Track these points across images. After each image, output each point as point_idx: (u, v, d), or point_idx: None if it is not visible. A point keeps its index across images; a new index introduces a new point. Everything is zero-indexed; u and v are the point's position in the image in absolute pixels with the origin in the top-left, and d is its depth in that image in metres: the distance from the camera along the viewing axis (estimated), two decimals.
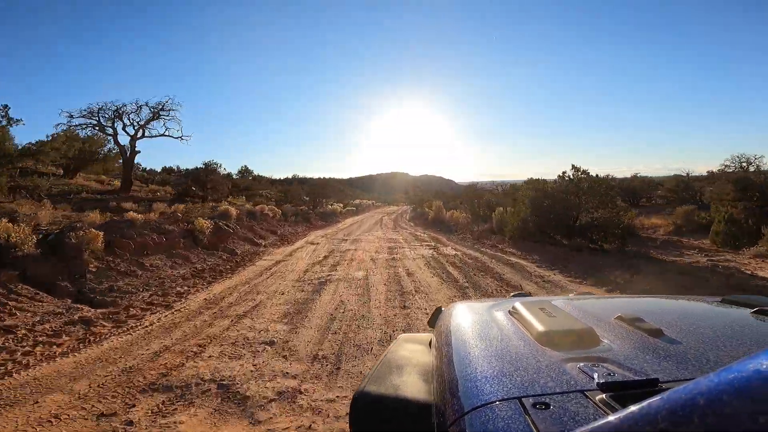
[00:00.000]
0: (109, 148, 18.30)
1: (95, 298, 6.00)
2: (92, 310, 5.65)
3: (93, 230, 6.82)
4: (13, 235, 6.21)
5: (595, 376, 0.71)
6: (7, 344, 4.34)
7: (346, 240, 14.72)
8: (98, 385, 3.55)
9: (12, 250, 6.09)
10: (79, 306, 5.68)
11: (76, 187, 14.76)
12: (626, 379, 0.69)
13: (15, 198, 11.01)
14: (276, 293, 6.75)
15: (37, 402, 3.25)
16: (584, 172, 11.28)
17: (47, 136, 17.19)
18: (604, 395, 0.64)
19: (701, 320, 1.08)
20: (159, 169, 39.29)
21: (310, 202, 30.05)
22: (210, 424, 2.99)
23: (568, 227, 11.16)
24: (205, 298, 6.49)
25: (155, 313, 5.76)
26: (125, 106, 16.82)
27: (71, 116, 16.18)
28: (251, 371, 3.86)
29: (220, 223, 10.75)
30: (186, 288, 7.07)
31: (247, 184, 26.48)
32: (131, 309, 5.80)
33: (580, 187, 11.10)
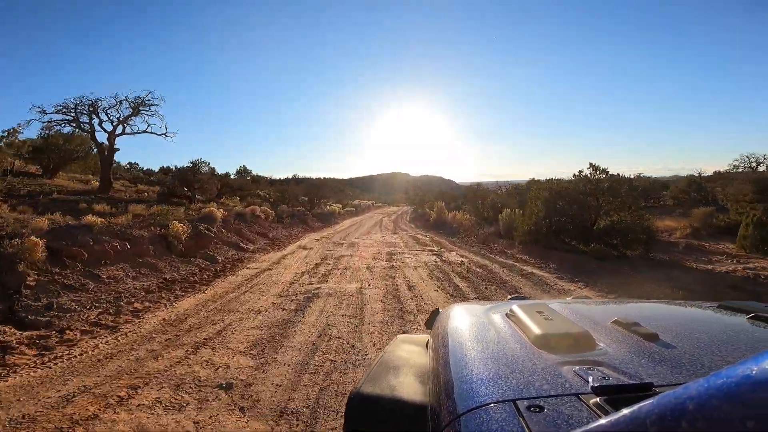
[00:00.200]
0: (92, 146, 17.19)
1: (27, 317, 4.92)
2: (18, 332, 4.58)
3: (33, 237, 5.73)
4: None
5: (590, 379, 0.70)
6: None
7: (342, 244, 13.63)
8: None
9: None
10: (2, 328, 4.61)
11: (50, 187, 13.72)
12: (621, 383, 0.70)
13: None
14: (251, 312, 5.67)
15: None
16: (603, 170, 10.19)
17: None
18: (598, 399, 0.64)
19: (697, 325, 1.08)
20: (156, 169, 38.18)
21: (307, 203, 28.98)
22: None
23: (585, 231, 10.07)
24: (164, 318, 5.41)
25: (96, 337, 4.68)
26: (100, 100, 15.69)
27: (43, 111, 15.08)
28: None
29: (201, 227, 9.67)
30: (146, 304, 5.99)
31: (241, 183, 25.34)
32: (68, 332, 4.72)
33: (599, 188, 10.01)
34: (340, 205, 34.68)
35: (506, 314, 1.17)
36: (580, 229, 10.08)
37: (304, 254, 11.18)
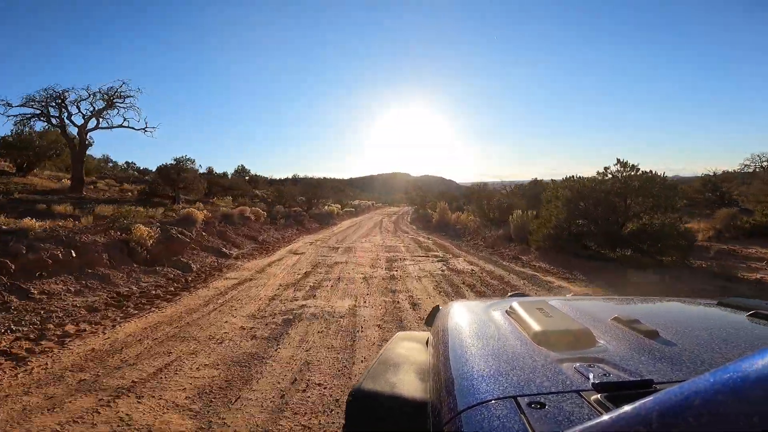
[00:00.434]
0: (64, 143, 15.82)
1: None
2: None
3: None
4: None
5: (591, 376, 0.71)
6: None
7: (338, 249, 12.38)
8: None
9: None
10: None
11: (16, 186, 12.50)
12: (621, 379, 0.70)
13: None
14: (211, 341, 4.43)
15: None
16: (633, 167, 8.94)
17: None
18: (599, 395, 0.64)
19: (697, 322, 1.09)
20: (153, 168, 36.92)
21: (305, 203, 27.75)
22: None
23: (612, 236, 8.82)
24: (95, 348, 4.17)
25: None
26: (68, 91, 14.35)
27: (8, 104, 13.81)
28: None
29: (173, 231, 8.43)
30: (82, 326, 4.76)
31: (233, 183, 24.05)
32: None
33: (629, 186, 8.76)
34: (339, 206, 33.45)
35: (506, 311, 1.16)
36: (605, 234, 8.83)
37: (293, 261, 9.93)
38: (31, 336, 4.39)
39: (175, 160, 16.32)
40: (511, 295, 1.58)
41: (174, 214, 10.98)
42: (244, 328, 4.88)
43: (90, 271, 6.26)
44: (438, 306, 1.46)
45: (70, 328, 4.68)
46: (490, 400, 0.67)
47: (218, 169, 37.07)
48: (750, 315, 1.07)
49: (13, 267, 5.28)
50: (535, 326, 0.95)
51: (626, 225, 9.11)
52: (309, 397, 3.21)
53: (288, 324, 5.03)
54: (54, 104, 13.86)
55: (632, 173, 8.86)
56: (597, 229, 9.07)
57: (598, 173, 9.46)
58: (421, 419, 0.79)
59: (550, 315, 1.03)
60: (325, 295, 6.49)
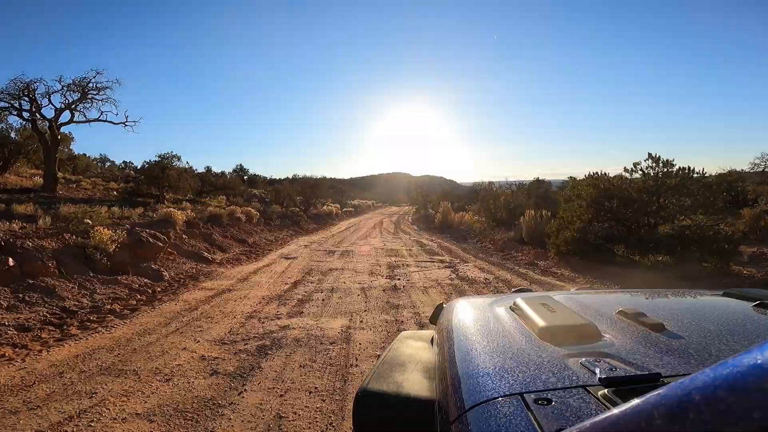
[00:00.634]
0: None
1: None
2: None
3: None
4: None
5: (597, 371, 0.69)
6: None
7: (335, 252, 11.33)
8: None
9: None
10: None
11: None
12: (628, 374, 0.69)
13: None
14: (155, 377, 3.38)
15: None
16: (668, 163, 7.89)
17: None
18: (606, 390, 0.63)
19: (703, 314, 1.07)
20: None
21: (302, 203, 26.69)
22: None
23: (644, 239, 7.77)
24: None
25: None
26: (36, 82, 13.21)
27: None
28: None
29: (144, 234, 7.38)
30: (2, 351, 3.72)
31: (227, 182, 22.99)
32: None
33: (664, 184, 7.71)
34: (338, 206, 32.39)
35: (510, 307, 1.15)
36: (637, 237, 7.77)
37: (283, 267, 8.88)
38: None
39: (159, 156, 15.20)
40: (514, 291, 1.52)
41: (153, 215, 9.93)
42: (205, 359, 3.83)
43: (32, 281, 5.23)
44: (442, 303, 1.45)
45: None
46: (497, 398, 0.66)
47: (217, 169, 36.04)
48: (755, 305, 1.06)
49: None
50: (540, 322, 0.94)
51: (659, 227, 8.06)
52: None
53: (262, 353, 3.98)
54: (27, 97, 12.77)
55: (667, 170, 7.80)
56: (626, 231, 8.02)
57: (625, 170, 8.41)
58: (428, 418, 0.79)
59: (555, 310, 1.02)
60: (315, 311, 5.44)
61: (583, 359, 0.76)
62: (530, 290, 1.60)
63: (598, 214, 7.81)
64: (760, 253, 10.73)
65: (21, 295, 4.96)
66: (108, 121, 14.65)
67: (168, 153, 15.11)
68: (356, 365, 3.69)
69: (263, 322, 4.95)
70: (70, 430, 2.59)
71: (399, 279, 7.48)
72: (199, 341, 4.32)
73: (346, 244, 13.28)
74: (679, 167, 7.70)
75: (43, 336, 4.26)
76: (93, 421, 2.70)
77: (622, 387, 0.63)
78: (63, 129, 14.23)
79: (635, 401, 0.41)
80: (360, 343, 4.24)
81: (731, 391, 0.34)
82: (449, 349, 0.95)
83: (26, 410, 2.80)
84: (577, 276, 7.46)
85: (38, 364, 3.60)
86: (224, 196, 21.58)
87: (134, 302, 5.69)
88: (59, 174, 20.05)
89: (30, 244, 5.66)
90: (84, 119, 14.15)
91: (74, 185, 17.01)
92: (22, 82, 12.85)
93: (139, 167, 18.19)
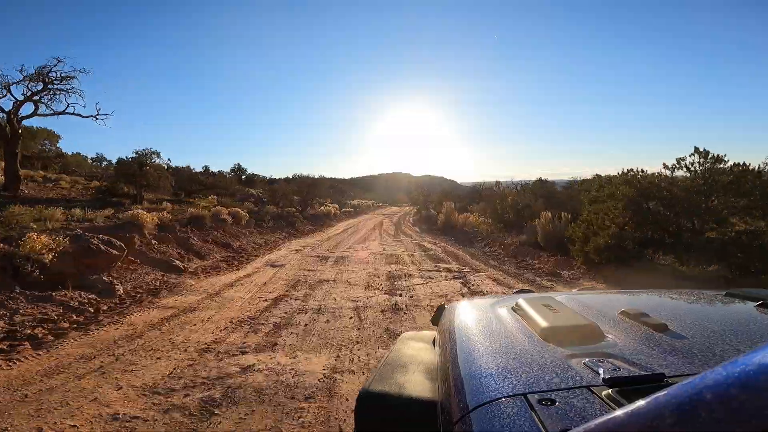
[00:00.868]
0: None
1: None
2: None
3: None
4: None
5: (601, 371, 0.69)
6: None
7: (328, 258, 10.12)
8: None
9: None
10: None
11: None
12: (632, 374, 0.69)
13: None
14: None
15: None
16: (718, 158, 6.68)
17: None
18: (610, 390, 0.63)
19: (706, 314, 1.08)
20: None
21: (299, 203, 25.49)
22: None
23: (693, 246, 6.56)
24: None
25: None
26: None
27: None
28: None
29: (94, 241, 6.16)
30: None
31: (217, 181, 21.73)
32: None
33: (716, 183, 6.49)
34: (337, 206, 31.19)
35: (512, 308, 1.14)
36: (682, 243, 6.56)
37: (266, 277, 7.67)
38: None
39: (136, 152, 13.86)
40: (516, 292, 1.49)
41: (121, 217, 8.72)
42: (118, 419, 2.64)
43: None
44: (443, 305, 1.43)
45: None
46: (500, 398, 0.66)
47: (216, 169, 34.83)
48: (758, 305, 1.05)
49: None
50: (542, 322, 0.93)
51: (702, 231, 6.85)
52: None
53: (205, 414, 2.77)
54: None
55: (718, 165, 6.59)
56: (667, 237, 6.81)
57: (665, 166, 7.20)
58: (431, 419, 0.78)
59: (557, 311, 1.02)
60: (293, 342, 4.23)
61: (587, 359, 0.75)
62: (532, 291, 1.55)
63: (636, 218, 6.58)
64: None
65: None
66: (76, 114, 13.38)
67: (146, 149, 13.84)
68: None
69: (221, 359, 3.75)
70: None
71: (401, 294, 6.27)
72: (121, 388, 3.12)
73: (342, 249, 12.08)
74: (734, 163, 6.49)
75: None
76: None
77: (626, 387, 0.62)
78: (33, 123, 13.00)
79: (642, 401, 0.40)
80: (347, 399, 3.04)
81: (744, 389, 0.33)
82: (452, 350, 0.94)
83: None
84: (613, 289, 6.25)
85: None
86: (215, 196, 20.39)
87: (66, 325, 4.49)
88: (40, 173, 18.86)
89: None
90: (51, 112, 12.92)
91: (51, 184, 15.84)
92: None
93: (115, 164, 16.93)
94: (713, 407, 0.34)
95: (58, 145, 26.80)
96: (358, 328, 4.66)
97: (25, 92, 12.36)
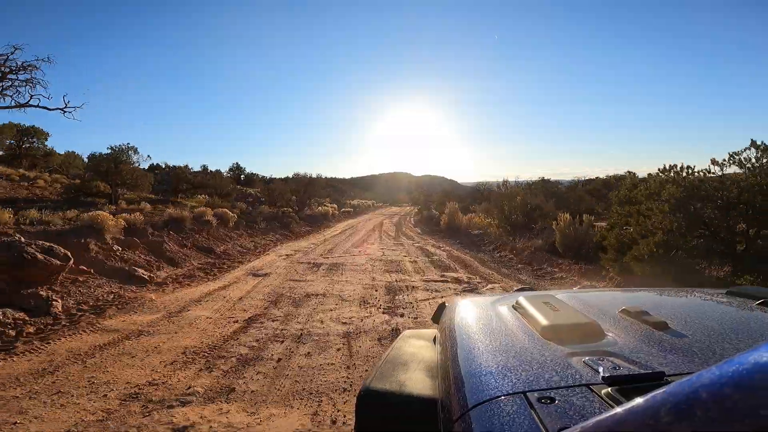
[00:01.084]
0: None
1: None
2: None
3: None
4: None
5: (600, 369, 0.68)
6: None
7: (320, 265, 9.01)
8: None
9: None
10: None
11: None
12: (632, 372, 0.68)
13: None
14: None
15: None
16: None
17: None
18: (609, 389, 0.62)
19: (706, 313, 1.06)
20: (146, 167, 33.28)
21: (295, 203, 24.42)
22: None
23: (746, 254, 5.46)
24: None
25: None
26: None
27: None
28: None
29: (31, 249, 5.06)
30: None
31: (207, 180, 20.62)
32: None
33: None
34: (335, 206, 30.11)
35: (513, 306, 1.13)
36: (743, 252, 5.45)
37: (245, 290, 6.57)
38: None
39: (110, 148, 12.65)
40: (517, 290, 1.48)
41: (77, 221, 7.61)
42: None
43: None
44: (444, 303, 1.40)
45: None
46: (500, 396, 0.65)
47: (215, 168, 33.77)
48: (759, 303, 1.04)
49: None
50: (543, 320, 0.92)
51: (759, 239, 5.76)
52: None
53: None
54: None
55: None
56: (720, 243, 5.70)
57: (714, 162, 6.08)
58: (431, 417, 0.78)
59: (557, 309, 0.99)
60: (257, 387, 3.13)
61: (586, 358, 0.75)
62: (532, 289, 1.56)
63: (688, 222, 5.46)
64: None
65: None
66: (41, 107, 12.27)
67: (122, 144, 12.69)
68: None
69: (148, 414, 2.65)
70: None
71: (402, 314, 5.16)
72: None
73: (338, 253, 10.97)
74: None
75: None
76: None
77: (626, 385, 0.61)
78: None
79: (640, 399, 0.40)
80: None
81: (737, 389, 0.34)
82: (452, 348, 0.93)
83: None
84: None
85: None
86: (206, 196, 19.31)
87: None
88: (19, 171, 17.79)
89: None
90: (14, 104, 11.83)
91: (26, 183, 14.77)
92: None
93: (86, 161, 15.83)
94: (708, 406, 0.34)
95: (46, 144, 25.74)
96: (347, 366, 3.56)
97: None
